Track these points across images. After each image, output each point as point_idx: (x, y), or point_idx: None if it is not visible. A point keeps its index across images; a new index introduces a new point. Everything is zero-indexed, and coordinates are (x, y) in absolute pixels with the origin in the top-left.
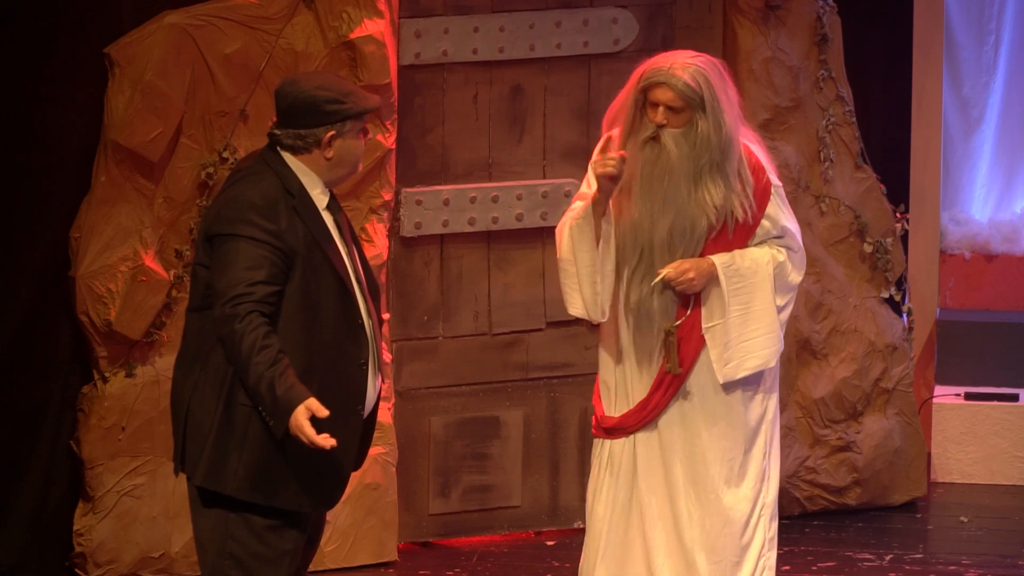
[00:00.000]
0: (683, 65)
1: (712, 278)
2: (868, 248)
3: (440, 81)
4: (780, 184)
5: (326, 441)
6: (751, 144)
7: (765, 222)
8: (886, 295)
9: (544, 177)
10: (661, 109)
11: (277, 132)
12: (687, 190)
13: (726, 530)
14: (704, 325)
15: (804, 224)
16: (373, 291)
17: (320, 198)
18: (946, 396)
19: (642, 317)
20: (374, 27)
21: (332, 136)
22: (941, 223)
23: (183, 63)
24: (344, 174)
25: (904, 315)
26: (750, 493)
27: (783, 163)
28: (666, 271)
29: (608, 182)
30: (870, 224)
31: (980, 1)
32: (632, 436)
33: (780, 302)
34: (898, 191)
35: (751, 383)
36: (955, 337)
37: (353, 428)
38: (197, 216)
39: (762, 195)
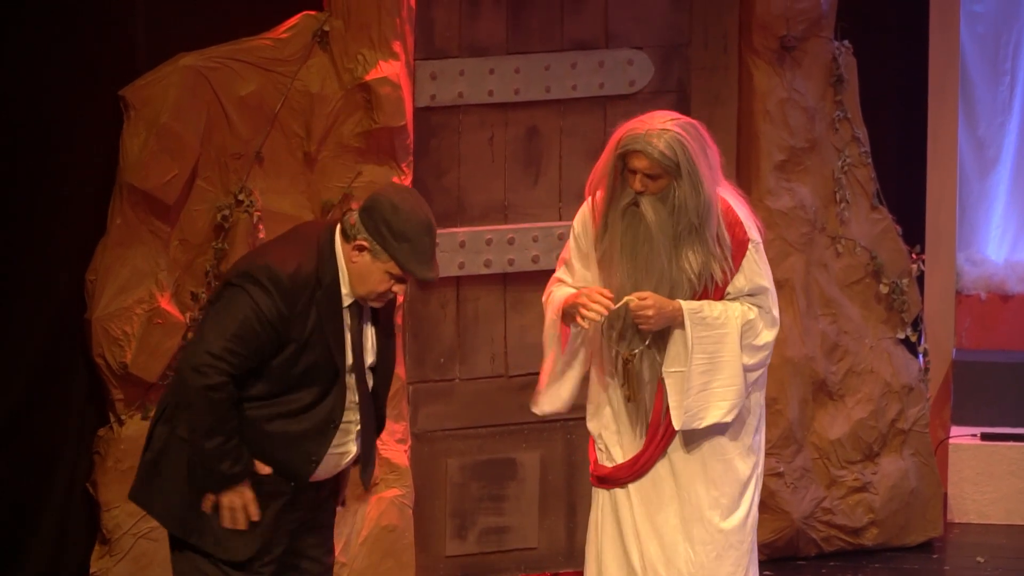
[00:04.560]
0: (658, 132)
1: (675, 322)
2: (884, 289)
3: (456, 123)
4: (759, 240)
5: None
6: (731, 199)
7: (738, 278)
8: (902, 336)
9: (560, 219)
10: (639, 176)
11: (353, 210)
12: (668, 256)
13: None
14: (665, 369)
15: (820, 265)
16: (383, 388)
17: (347, 297)
18: (962, 437)
19: (626, 372)
20: (390, 69)
21: (363, 247)
22: (957, 264)
23: (198, 105)
24: (360, 293)
25: (920, 356)
26: (736, 542)
27: (799, 204)
28: (630, 298)
29: (584, 325)
30: (886, 265)
31: (995, 41)
32: (626, 487)
33: (748, 360)
34: (914, 232)
35: (739, 434)
36: (971, 378)
37: (275, 503)
38: (213, 258)
39: (737, 251)
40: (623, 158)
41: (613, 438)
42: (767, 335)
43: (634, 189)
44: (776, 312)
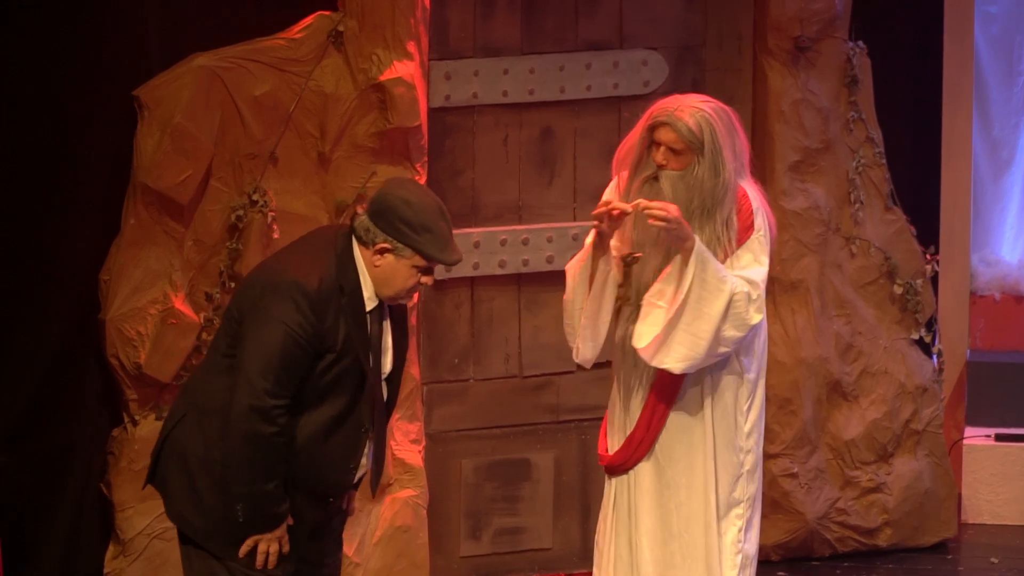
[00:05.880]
0: (689, 108)
1: (684, 245)
2: (898, 290)
3: (470, 123)
4: (765, 230)
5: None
6: (751, 191)
7: (734, 260)
8: (916, 336)
9: (574, 219)
10: (663, 149)
11: (360, 214)
12: None
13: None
14: (647, 297)
15: (834, 266)
16: (391, 400)
17: (369, 302)
18: (976, 437)
19: (627, 354)
20: (404, 69)
21: (385, 249)
22: (971, 264)
23: (212, 105)
24: (387, 294)
25: (934, 356)
26: (732, 538)
27: (813, 205)
28: (648, 202)
29: (602, 227)
30: (900, 265)
31: (1010, 42)
32: (631, 474)
33: (731, 332)
34: (928, 232)
35: (735, 425)
36: (985, 378)
37: (313, 518)
38: (227, 259)
39: (741, 235)
40: (651, 130)
41: (615, 423)
42: (756, 316)
43: (656, 162)
44: (763, 301)
